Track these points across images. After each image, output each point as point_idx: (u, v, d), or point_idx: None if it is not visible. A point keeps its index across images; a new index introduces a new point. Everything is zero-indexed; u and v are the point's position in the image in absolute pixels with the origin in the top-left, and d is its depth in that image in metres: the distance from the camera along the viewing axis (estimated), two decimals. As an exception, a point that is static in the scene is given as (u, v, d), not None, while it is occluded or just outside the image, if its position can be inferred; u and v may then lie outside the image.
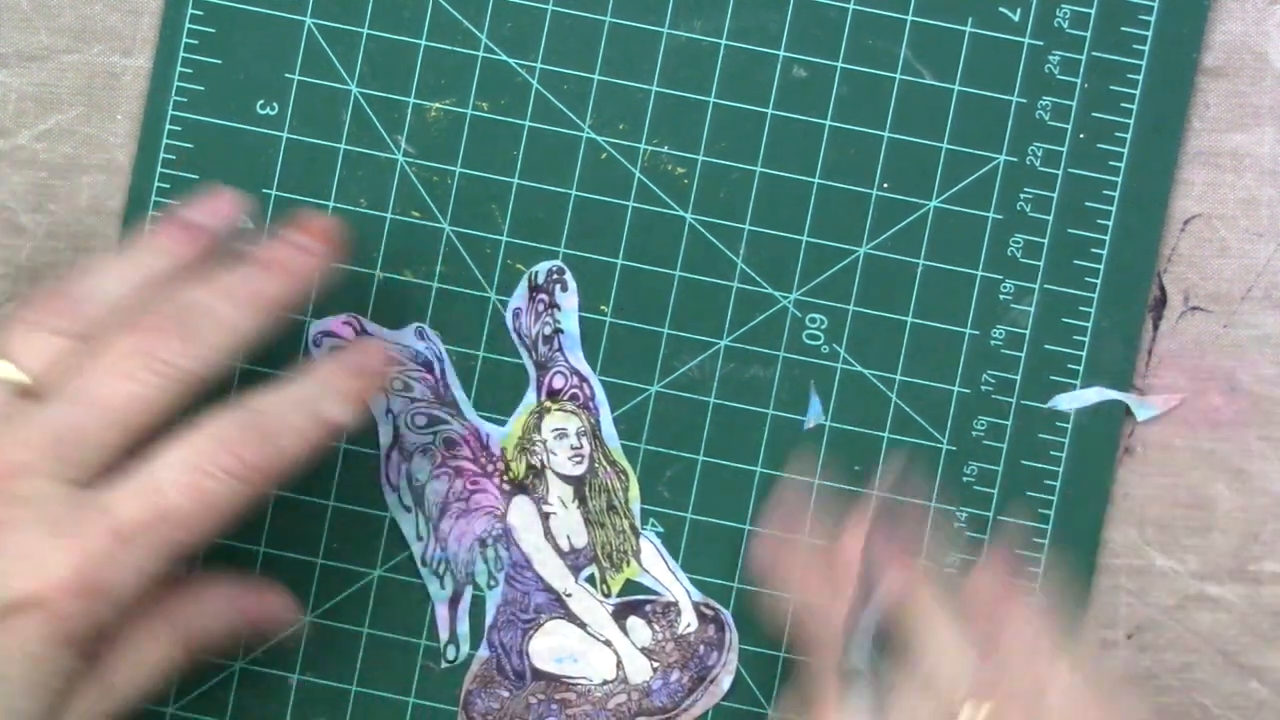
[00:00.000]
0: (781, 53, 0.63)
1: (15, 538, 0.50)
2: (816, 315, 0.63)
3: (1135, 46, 0.63)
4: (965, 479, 0.63)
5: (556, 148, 0.63)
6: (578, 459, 0.62)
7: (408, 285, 0.63)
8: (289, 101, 0.64)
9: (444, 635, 0.62)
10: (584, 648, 0.62)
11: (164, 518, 0.51)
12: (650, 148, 0.63)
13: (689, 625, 0.63)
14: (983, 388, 0.63)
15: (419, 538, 0.62)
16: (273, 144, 0.64)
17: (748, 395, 0.63)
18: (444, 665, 0.63)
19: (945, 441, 0.63)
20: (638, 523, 0.63)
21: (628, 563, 0.62)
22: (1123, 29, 0.63)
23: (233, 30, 0.63)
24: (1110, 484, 0.63)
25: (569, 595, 0.62)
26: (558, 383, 0.62)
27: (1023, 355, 0.63)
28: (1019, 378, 0.63)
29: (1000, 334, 0.63)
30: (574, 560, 0.62)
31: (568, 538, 0.62)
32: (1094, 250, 0.63)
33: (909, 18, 0.63)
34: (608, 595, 0.63)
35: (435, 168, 0.63)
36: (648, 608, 0.63)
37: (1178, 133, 0.63)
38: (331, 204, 0.63)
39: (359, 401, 0.56)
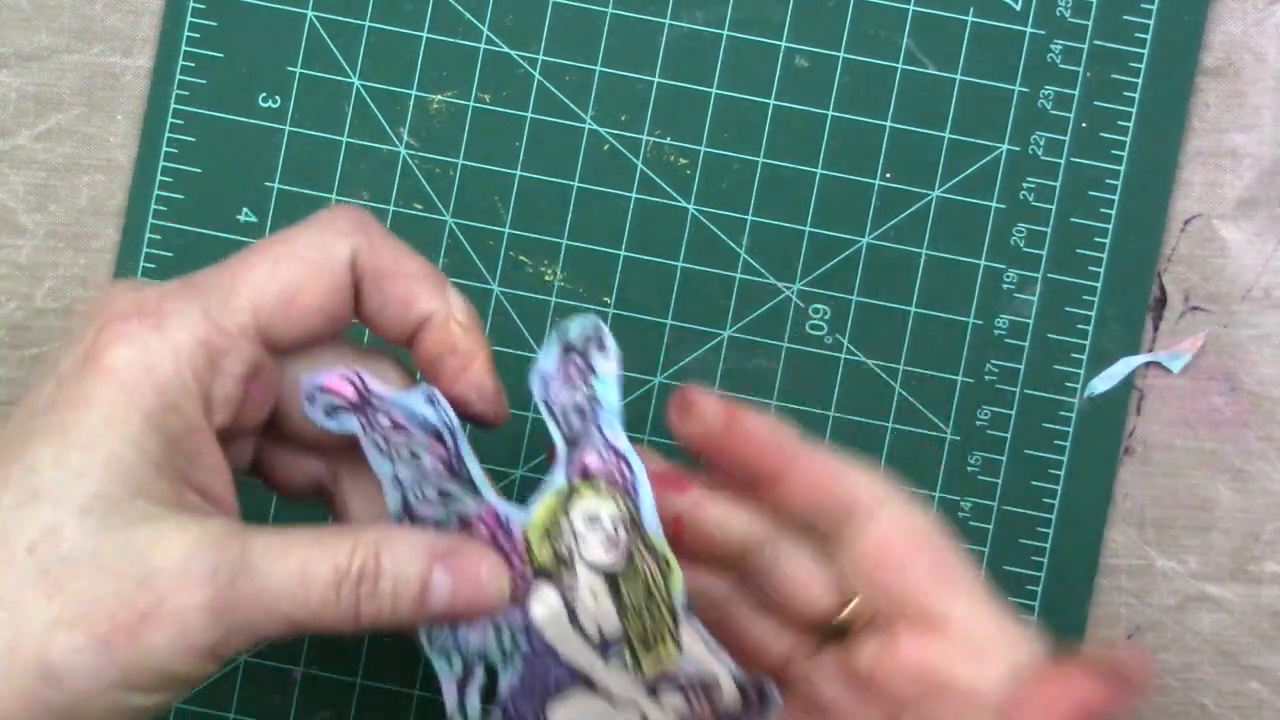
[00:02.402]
0: (783, 43, 0.63)
1: None
2: (820, 306, 0.63)
3: (1137, 35, 0.63)
4: (970, 469, 0.63)
5: (559, 139, 0.63)
6: (613, 548, 0.54)
7: (410, 279, 0.63)
8: (291, 94, 0.64)
9: (450, 705, 0.54)
10: (610, 714, 0.55)
11: None
12: (652, 139, 0.63)
13: (730, 700, 0.55)
14: (986, 377, 0.63)
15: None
16: (275, 137, 0.64)
17: (751, 386, 0.63)
18: None
19: (949, 431, 0.63)
20: (680, 610, 0.54)
21: (665, 647, 0.54)
22: (1124, 17, 0.63)
23: (234, 24, 0.64)
24: (1115, 473, 0.63)
25: (596, 675, 0.54)
26: (592, 462, 0.53)
27: (1026, 344, 0.63)
28: (1023, 367, 0.63)
29: (1004, 323, 0.63)
30: (603, 648, 0.54)
31: (598, 626, 0.54)
32: (1097, 239, 0.63)
33: (910, 7, 0.63)
34: (640, 674, 0.54)
35: (437, 160, 0.64)
36: (683, 680, 0.55)
37: (1180, 120, 0.63)
38: (334, 197, 0.63)
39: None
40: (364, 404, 0.51)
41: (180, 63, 0.63)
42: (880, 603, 0.52)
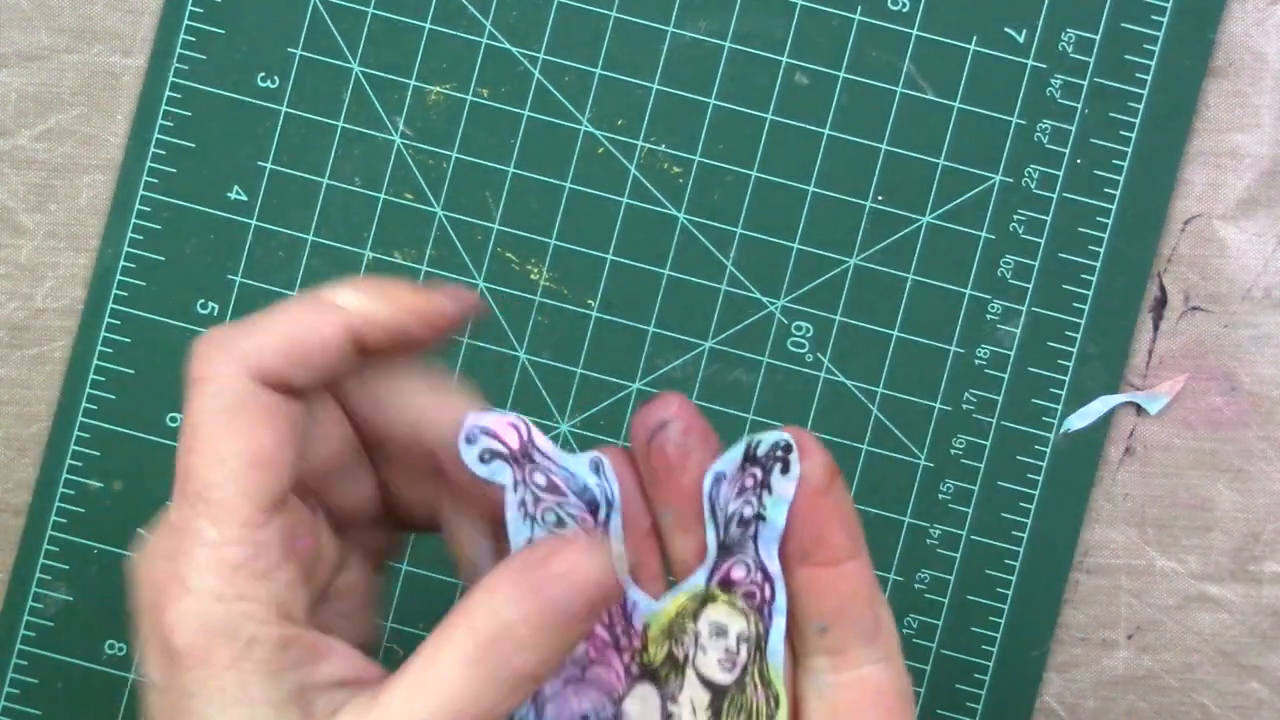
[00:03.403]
0: (784, 59, 0.63)
1: None
2: (803, 323, 0.63)
3: (1138, 75, 0.62)
4: (941, 496, 0.63)
5: (554, 139, 0.64)
6: (729, 666, 0.50)
7: (397, 267, 0.64)
8: (290, 76, 0.64)
9: None
10: None
11: None
12: (648, 145, 0.63)
13: None
14: (964, 406, 0.63)
15: None
16: (271, 117, 0.64)
17: (729, 399, 0.64)
18: None
19: (923, 458, 0.63)
20: None
21: None
22: (1126, 57, 0.62)
23: (238, 2, 0.64)
24: (1085, 509, 0.63)
25: None
26: (737, 573, 0.50)
27: (1006, 376, 0.63)
28: (1000, 398, 0.63)
29: (985, 353, 0.63)
30: None
31: None
32: (1083, 276, 0.63)
33: (914, 32, 0.63)
34: None
35: (431, 151, 0.64)
36: None
37: (1174, 163, 0.63)
38: (326, 180, 0.64)
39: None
40: (524, 457, 0.49)
41: (181, 37, 0.63)
42: None
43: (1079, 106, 0.63)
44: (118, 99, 0.63)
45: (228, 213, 0.63)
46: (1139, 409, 0.63)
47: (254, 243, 0.63)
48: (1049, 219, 0.63)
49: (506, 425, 0.48)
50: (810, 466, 0.48)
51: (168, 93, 0.63)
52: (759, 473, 0.49)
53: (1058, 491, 0.63)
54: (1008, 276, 0.63)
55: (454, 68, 0.64)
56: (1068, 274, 0.63)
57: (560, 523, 0.49)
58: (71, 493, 0.63)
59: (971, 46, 0.63)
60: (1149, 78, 0.62)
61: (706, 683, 0.50)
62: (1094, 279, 0.63)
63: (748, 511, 0.49)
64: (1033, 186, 0.63)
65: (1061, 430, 0.63)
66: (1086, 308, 0.63)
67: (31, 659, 0.63)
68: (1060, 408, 0.63)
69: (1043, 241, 0.63)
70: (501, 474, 0.48)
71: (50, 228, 0.63)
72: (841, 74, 0.63)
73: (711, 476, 0.49)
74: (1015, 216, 0.63)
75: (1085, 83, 0.63)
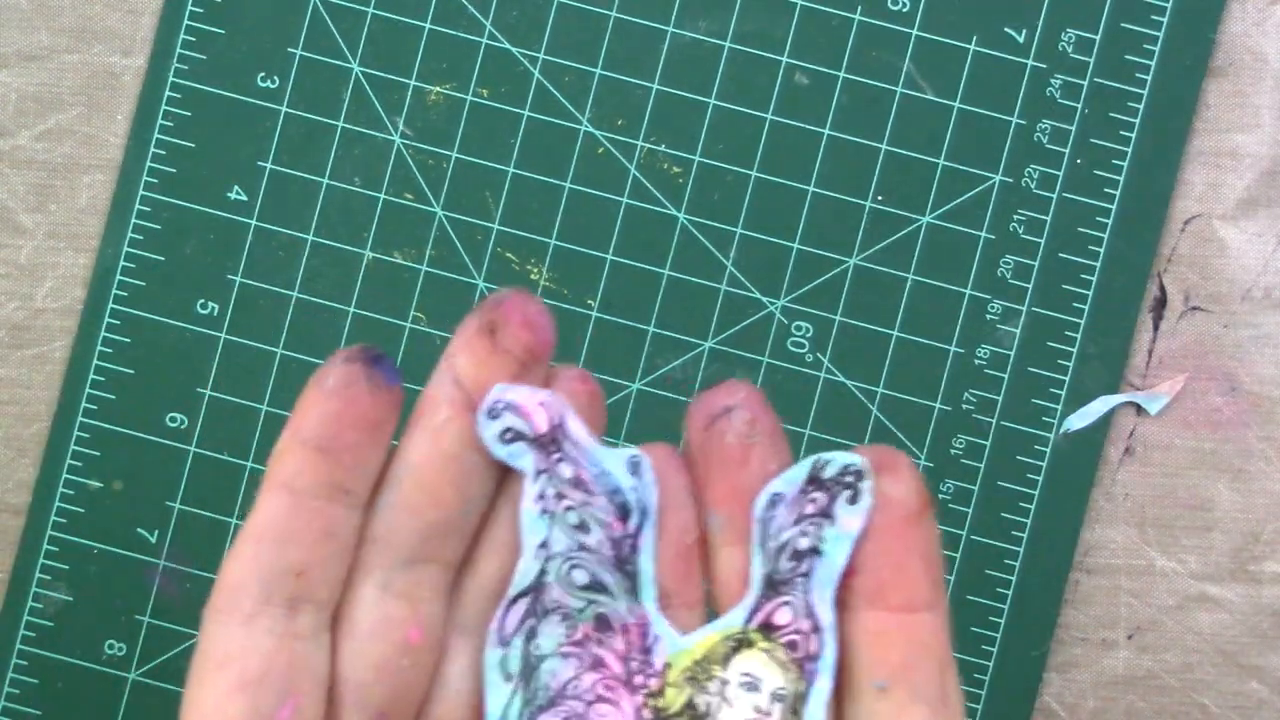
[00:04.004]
0: (784, 59, 0.63)
1: None
2: (802, 323, 0.63)
3: (1138, 75, 0.62)
4: (941, 496, 0.63)
5: (554, 139, 0.63)
6: None
7: (396, 267, 0.64)
8: (290, 76, 0.64)
9: None
10: None
11: None
12: (648, 145, 0.63)
13: None
14: (964, 406, 0.63)
15: None
16: (271, 117, 0.64)
17: (731, 400, 0.63)
18: None
19: (923, 458, 0.63)
20: None
21: None
22: (1126, 57, 0.62)
23: (238, 1, 0.64)
24: (1085, 508, 0.63)
25: None
26: (782, 617, 0.42)
27: (1006, 376, 0.63)
28: (1000, 398, 0.63)
29: (985, 353, 0.63)
30: None
31: None
32: (1083, 276, 0.63)
33: (914, 32, 0.63)
34: None
35: (431, 151, 0.64)
36: None
37: (1174, 163, 0.63)
38: (326, 180, 0.64)
39: None
40: (551, 443, 0.42)
41: (181, 37, 0.63)
42: None
43: (1079, 106, 0.63)
44: (118, 99, 0.63)
45: (228, 213, 0.63)
46: (1139, 409, 0.63)
47: (254, 243, 0.63)
48: (1049, 219, 0.63)
49: (536, 403, 0.42)
50: (901, 489, 0.41)
51: (168, 93, 0.63)
52: (822, 499, 0.42)
53: (1058, 491, 0.63)
54: (1008, 276, 0.63)
55: (454, 68, 0.63)
56: (1068, 274, 0.63)
57: (582, 526, 0.42)
58: (71, 493, 0.63)
59: (971, 46, 0.63)
60: (1149, 78, 0.62)
61: None
62: (1094, 279, 0.63)
63: (804, 544, 0.42)
64: (1033, 186, 0.63)
65: (1061, 430, 0.63)
66: (1086, 308, 0.63)
67: (31, 659, 0.63)
68: (1060, 408, 0.63)
69: (1043, 241, 0.63)
70: (522, 459, 0.42)
71: (50, 228, 0.63)
72: (841, 74, 0.63)
73: (767, 497, 0.42)
74: (1015, 216, 0.63)
75: (1085, 83, 0.63)
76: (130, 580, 0.63)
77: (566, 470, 0.42)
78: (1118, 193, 0.62)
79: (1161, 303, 0.63)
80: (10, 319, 0.63)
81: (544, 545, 0.42)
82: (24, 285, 0.63)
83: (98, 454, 0.63)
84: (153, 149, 0.63)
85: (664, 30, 0.63)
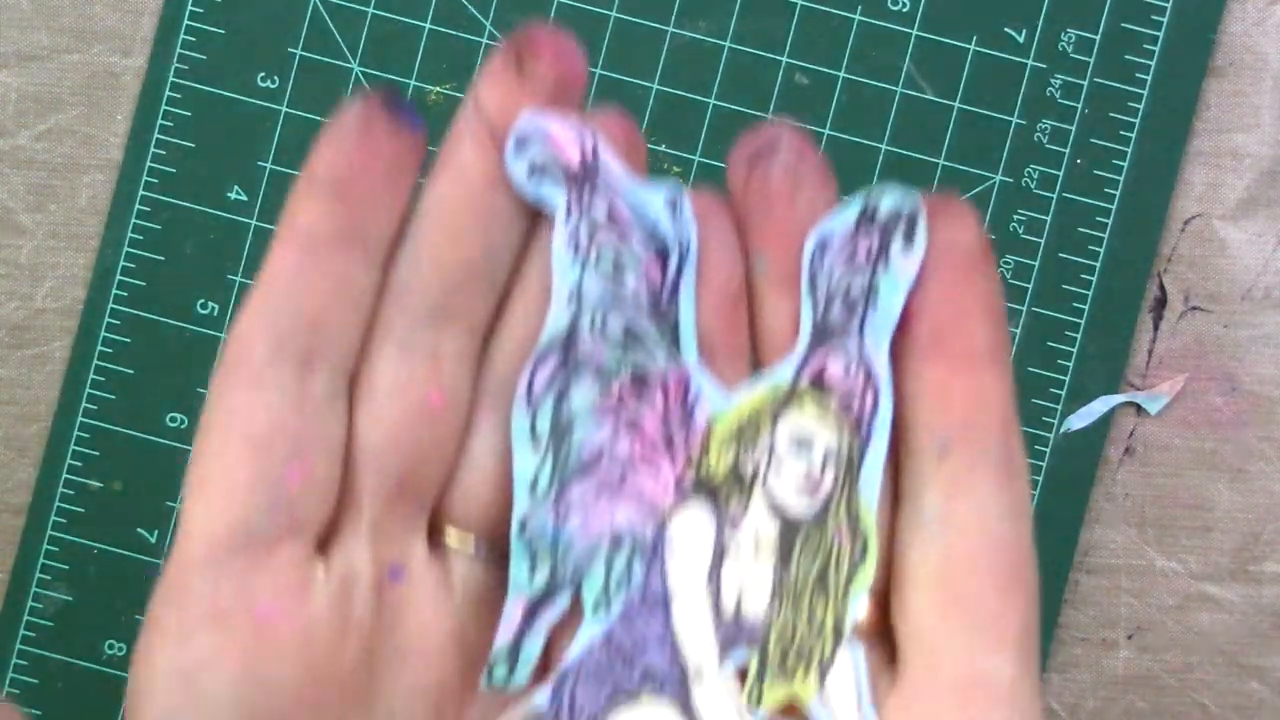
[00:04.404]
0: (784, 58, 0.63)
1: None
2: (805, 324, 0.63)
3: (1138, 75, 0.62)
4: (943, 496, 0.63)
5: (555, 140, 0.63)
6: (810, 492, 0.39)
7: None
8: (290, 76, 0.64)
9: (502, 642, 0.40)
10: None
11: None
12: (648, 145, 0.63)
13: None
14: (964, 406, 0.63)
15: (533, 491, 0.40)
16: (271, 117, 0.64)
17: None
18: (482, 686, 0.40)
19: (925, 458, 0.63)
20: (849, 623, 0.39)
21: (806, 674, 0.39)
22: (1126, 57, 0.62)
23: (238, 2, 0.64)
24: (1086, 506, 0.63)
25: (700, 679, 0.39)
26: (834, 369, 0.39)
27: (1006, 376, 0.63)
28: (1000, 398, 0.63)
29: (985, 353, 0.63)
30: (731, 632, 0.39)
31: (739, 597, 0.39)
32: (1083, 276, 0.63)
33: (913, 32, 0.63)
34: (754, 705, 0.39)
35: (432, 152, 0.63)
36: None
37: (1174, 163, 0.63)
38: (328, 184, 0.64)
39: None
40: (585, 178, 0.39)
41: (181, 37, 0.63)
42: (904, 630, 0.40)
43: (1079, 106, 0.63)
44: (118, 99, 0.63)
45: (228, 213, 0.63)
46: (1139, 409, 0.63)
47: (254, 243, 0.63)
48: (1049, 219, 0.63)
49: (568, 133, 0.39)
50: (960, 233, 0.38)
51: (168, 93, 0.63)
52: (875, 241, 0.39)
53: (1058, 491, 0.63)
54: (1008, 277, 0.63)
55: (454, 68, 0.63)
56: (1068, 274, 0.63)
57: (617, 270, 0.39)
58: (71, 493, 0.63)
59: (971, 46, 0.63)
60: (1149, 78, 0.62)
61: (778, 511, 0.39)
62: (1094, 279, 0.63)
63: (856, 288, 0.39)
64: (1033, 186, 0.63)
65: (1061, 430, 0.63)
66: (1086, 308, 0.63)
67: (31, 659, 0.63)
68: (1060, 408, 0.63)
69: (1043, 241, 0.63)
70: (553, 195, 0.39)
71: (50, 228, 0.63)
72: (841, 74, 0.63)
73: (815, 239, 0.39)
74: (1015, 216, 0.63)
75: (1085, 83, 0.63)
76: (130, 580, 0.63)
77: (601, 208, 0.39)
78: (1118, 193, 0.62)
79: (1161, 303, 0.63)
80: (10, 319, 0.63)
81: (576, 292, 0.39)
82: (24, 285, 0.63)
83: (98, 454, 0.63)
84: (153, 149, 0.63)
85: (664, 30, 0.63)
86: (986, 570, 0.38)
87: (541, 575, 0.39)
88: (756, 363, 0.40)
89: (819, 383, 0.39)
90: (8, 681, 0.63)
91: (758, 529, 0.39)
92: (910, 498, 0.39)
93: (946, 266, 0.38)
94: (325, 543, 0.39)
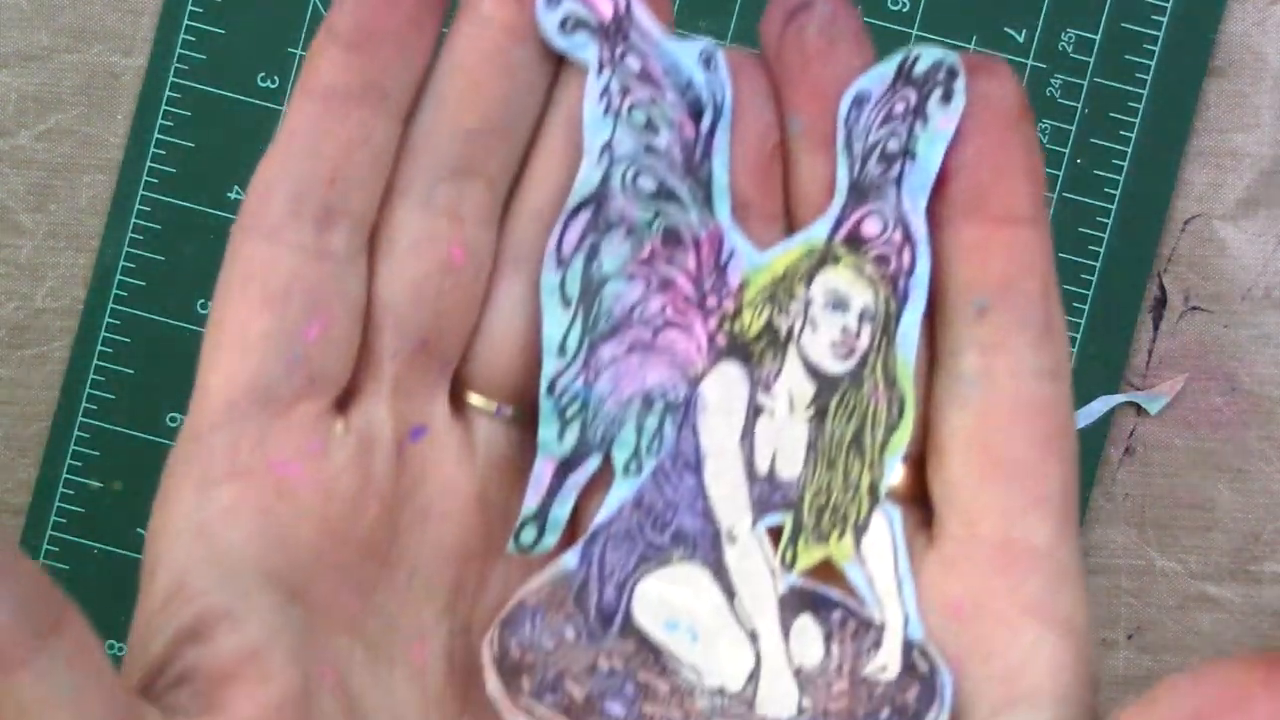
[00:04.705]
0: (783, 57, 0.63)
1: None
2: (804, 325, 0.63)
3: (1138, 75, 0.62)
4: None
5: (556, 141, 0.63)
6: (845, 352, 0.39)
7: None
8: (290, 76, 0.64)
9: (530, 505, 0.39)
10: (715, 625, 0.39)
11: None
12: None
13: (884, 668, 0.39)
14: (965, 407, 0.63)
15: (562, 351, 0.39)
16: (271, 117, 0.64)
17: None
18: (510, 548, 0.40)
19: (925, 458, 0.63)
20: (885, 484, 0.39)
21: (841, 535, 0.39)
22: (1126, 57, 0.62)
23: (238, 2, 0.64)
24: (1086, 509, 0.63)
25: (732, 540, 0.39)
26: (870, 227, 0.39)
27: (1006, 375, 0.63)
28: (1000, 398, 0.63)
29: (984, 353, 0.63)
30: (765, 493, 0.39)
31: (772, 457, 0.39)
32: (1083, 276, 0.62)
33: (914, 32, 0.63)
34: (788, 567, 0.39)
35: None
36: (836, 614, 0.39)
37: (1174, 163, 0.63)
38: (327, 181, 0.64)
39: None
40: (617, 32, 0.39)
41: (181, 37, 0.63)
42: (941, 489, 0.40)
43: (1079, 106, 0.62)
44: (118, 99, 0.63)
45: (228, 213, 0.63)
46: (1139, 409, 0.63)
47: (254, 243, 0.63)
48: (1050, 218, 0.62)
49: None
50: (999, 89, 0.38)
51: (168, 93, 0.63)
52: (913, 97, 0.39)
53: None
54: (1008, 276, 0.63)
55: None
56: (1068, 274, 0.62)
57: (650, 126, 0.39)
58: (71, 493, 0.63)
59: (971, 46, 0.63)
60: (1149, 78, 0.62)
61: (813, 370, 0.39)
62: (1094, 279, 0.62)
63: (893, 145, 0.39)
64: (1033, 186, 0.63)
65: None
66: (1086, 308, 0.62)
67: (31, 659, 0.63)
68: (1062, 407, 0.63)
69: (1043, 241, 0.63)
70: (585, 49, 0.39)
71: (50, 228, 0.63)
72: (842, 74, 0.63)
73: (851, 96, 0.38)
74: (1015, 216, 0.63)
75: (1085, 83, 0.62)
76: (130, 580, 0.63)
77: (633, 63, 0.39)
78: (1118, 193, 0.62)
79: (1161, 303, 0.63)
80: (10, 319, 0.63)
81: (607, 148, 0.39)
82: (24, 285, 0.63)
83: (98, 454, 0.63)
84: (153, 149, 0.63)
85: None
86: (1025, 431, 0.38)
87: (571, 436, 0.39)
88: (790, 226, 0.40)
89: (855, 241, 0.39)
90: (8, 681, 0.63)
91: (792, 388, 0.39)
92: (947, 359, 0.39)
93: (986, 124, 0.38)
94: (345, 403, 0.39)
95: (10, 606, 0.31)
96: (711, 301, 0.39)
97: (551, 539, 0.40)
